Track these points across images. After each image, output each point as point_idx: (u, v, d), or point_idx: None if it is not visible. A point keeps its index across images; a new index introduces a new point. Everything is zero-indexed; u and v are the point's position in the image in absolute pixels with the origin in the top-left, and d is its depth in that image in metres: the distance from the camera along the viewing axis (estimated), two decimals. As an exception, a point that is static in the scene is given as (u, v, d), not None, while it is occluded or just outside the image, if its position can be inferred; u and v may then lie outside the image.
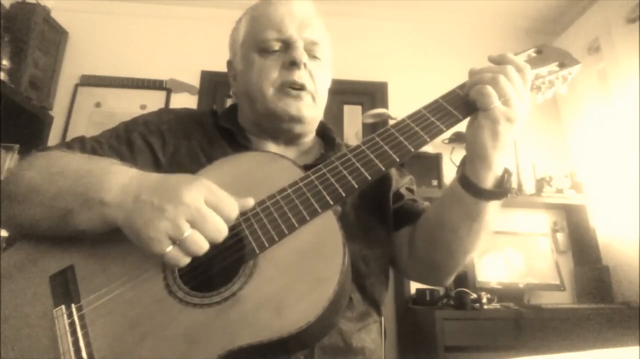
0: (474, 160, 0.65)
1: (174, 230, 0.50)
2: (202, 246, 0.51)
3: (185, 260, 0.51)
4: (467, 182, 0.66)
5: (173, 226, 0.50)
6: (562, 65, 0.73)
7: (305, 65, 0.77)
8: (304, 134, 0.84)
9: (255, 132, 0.83)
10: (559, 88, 0.75)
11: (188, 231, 0.50)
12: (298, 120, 0.78)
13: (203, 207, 0.51)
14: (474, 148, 0.64)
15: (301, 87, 0.77)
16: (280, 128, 0.80)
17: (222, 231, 0.52)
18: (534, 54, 0.74)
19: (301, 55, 0.76)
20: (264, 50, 0.78)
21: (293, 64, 0.76)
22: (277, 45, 0.78)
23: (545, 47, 0.75)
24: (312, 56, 0.80)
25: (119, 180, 0.56)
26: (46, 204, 0.59)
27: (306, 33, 0.79)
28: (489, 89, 0.61)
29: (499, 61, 0.66)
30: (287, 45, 0.78)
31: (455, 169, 0.71)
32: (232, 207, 0.54)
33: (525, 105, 0.64)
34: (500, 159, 0.65)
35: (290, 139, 0.83)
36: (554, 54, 0.74)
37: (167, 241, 0.50)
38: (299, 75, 0.76)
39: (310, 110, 0.80)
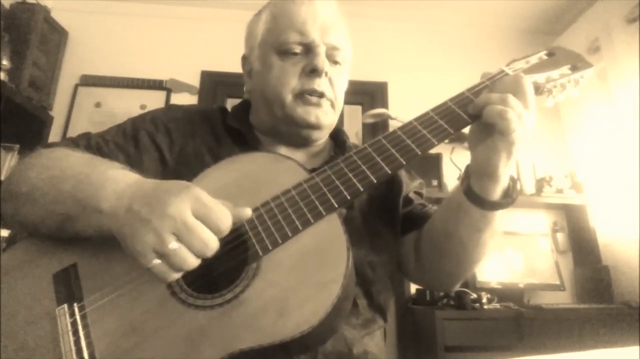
0: (482, 176, 0.64)
1: (158, 244, 0.47)
2: (187, 260, 0.48)
3: (173, 275, 0.49)
4: (475, 196, 0.64)
5: (157, 239, 0.47)
6: (574, 69, 0.70)
7: (326, 73, 0.75)
8: (319, 139, 0.83)
9: (267, 133, 0.82)
10: (570, 91, 0.72)
11: (173, 245, 0.47)
12: (316, 127, 0.78)
13: (189, 219, 0.48)
14: (487, 168, 0.62)
15: (321, 95, 0.76)
16: (297, 133, 0.79)
17: (209, 244, 0.49)
18: (545, 56, 0.72)
19: (323, 63, 0.74)
20: (284, 52, 0.76)
21: (314, 72, 0.75)
22: (298, 49, 0.76)
23: (558, 50, 0.73)
24: (333, 61, 0.78)
25: (115, 187, 0.55)
26: (46, 207, 0.59)
27: (328, 37, 0.76)
28: (511, 114, 0.58)
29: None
30: (309, 49, 0.76)
31: (455, 168, 0.71)
32: (223, 218, 0.50)
33: (533, 119, 0.62)
34: (508, 172, 0.63)
35: (305, 143, 0.82)
36: (566, 57, 0.72)
37: (152, 254, 0.48)
38: (319, 83, 0.75)
39: (328, 117, 0.79)
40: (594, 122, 2.44)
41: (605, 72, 2.34)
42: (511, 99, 0.59)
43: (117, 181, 0.56)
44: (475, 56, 2.55)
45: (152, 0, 2.74)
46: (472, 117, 0.62)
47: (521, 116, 0.59)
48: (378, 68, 2.71)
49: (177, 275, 0.49)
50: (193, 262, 0.48)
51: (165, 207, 0.48)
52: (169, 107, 0.86)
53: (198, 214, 0.49)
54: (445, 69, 2.53)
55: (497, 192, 0.64)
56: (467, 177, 0.66)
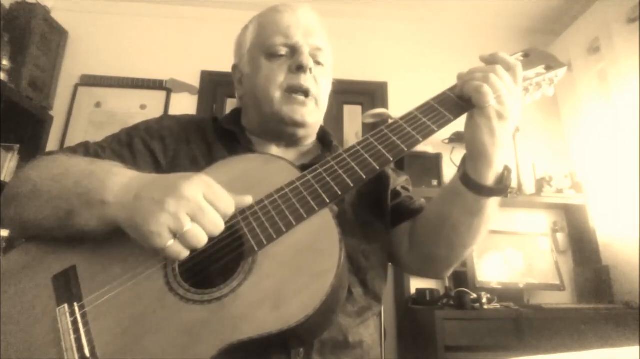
0: (474, 158, 0.67)
1: (175, 224, 0.50)
2: (201, 239, 0.51)
3: (185, 253, 0.52)
4: (468, 179, 0.67)
5: (174, 219, 0.50)
6: (548, 68, 0.75)
7: (310, 70, 0.80)
8: (306, 137, 0.88)
9: (259, 134, 0.86)
10: (546, 90, 0.77)
11: (189, 225, 0.50)
12: (301, 125, 0.82)
13: (202, 201, 0.52)
14: (474, 146, 0.66)
15: (306, 92, 0.80)
16: (285, 131, 0.83)
17: (219, 226, 0.53)
18: (521, 58, 0.76)
19: (308, 60, 0.79)
20: (271, 54, 0.81)
21: (300, 69, 0.79)
22: (284, 50, 0.81)
23: (532, 51, 0.78)
24: (317, 62, 0.83)
25: (120, 180, 0.57)
26: (49, 204, 0.60)
27: (311, 39, 0.82)
28: (486, 88, 0.62)
29: (490, 60, 0.68)
30: (294, 50, 0.81)
31: (455, 168, 0.72)
32: (229, 203, 0.54)
33: (517, 102, 0.66)
34: (500, 156, 0.66)
35: (293, 141, 0.86)
36: (540, 57, 0.77)
37: (168, 234, 0.50)
38: (305, 79, 0.79)
39: (313, 116, 0.83)
40: (594, 122, 2.44)
41: (605, 72, 2.34)
42: (492, 76, 0.63)
43: (121, 175, 0.58)
44: (475, 56, 2.55)
45: (152, 0, 2.74)
46: (454, 114, 0.66)
47: (497, 88, 0.63)
48: (378, 68, 2.71)
49: (187, 253, 0.52)
50: (204, 240, 0.52)
51: (180, 190, 0.51)
52: (162, 117, 0.90)
53: (208, 198, 0.52)
54: (445, 69, 2.51)
55: (489, 177, 0.66)
56: (463, 163, 0.70)
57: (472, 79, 0.65)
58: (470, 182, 0.67)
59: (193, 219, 0.51)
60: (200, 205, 0.51)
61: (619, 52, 2.23)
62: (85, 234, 0.58)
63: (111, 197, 0.55)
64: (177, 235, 0.50)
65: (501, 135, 0.64)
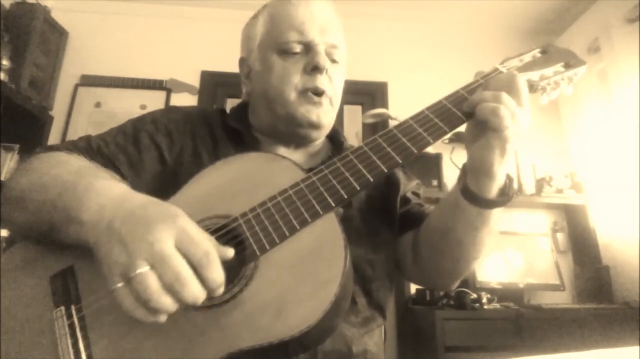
0: (478, 174, 0.64)
1: (126, 267, 0.44)
2: (151, 289, 0.43)
3: (138, 310, 0.44)
4: (471, 194, 0.64)
5: (127, 261, 0.44)
6: (567, 66, 0.71)
7: (326, 70, 0.77)
8: (318, 138, 0.84)
9: (267, 133, 0.83)
10: (564, 89, 0.72)
11: (138, 270, 0.43)
12: (317, 126, 0.79)
13: (167, 247, 0.45)
14: (481, 166, 0.63)
15: (322, 93, 0.77)
16: (298, 133, 0.80)
17: (180, 279, 0.44)
18: (539, 54, 0.73)
19: (324, 60, 0.76)
20: (285, 52, 0.78)
21: (315, 70, 0.76)
22: (298, 48, 0.77)
23: (551, 47, 0.74)
24: (332, 60, 0.79)
25: (99, 200, 0.53)
26: (34, 215, 0.59)
27: (327, 36, 0.78)
28: (504, 110, 0.58)
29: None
30: (309, 48, 0.77)
31: (455, 169, 0.71)
32: (208, 253, 0.46)
33: (528, 117, 0.63)
34: (504, 170, 0.64)
35: (303, 142, 0.83)
36: (559, 55, 0.72)
37: (118, 277, 0.45)
38: (321, 81, 0.76)
39: (329, 115, 0.80)
40: (594, 122, 2.44)
41: (605, 72, 2.34)
42: (504, 96, 0.59)
43: (100, 193, 0.55)
44: (475, 56, 2.55)
45: (152, 0, 2.74)
46: (467, 116, 0.63)
47: (514, 114, 0.59)
48: (378, 68, 2.71)
49: (142, 312, 0.45)
50: (156, 293, 0.44)
51: (147, 232, 0.46)
52: (168, 109, 0.86)
53: (181, 246, 0.46)
54: (445, 69, 2.53)
55: (493, 190, 0.64)
56: (464, 175, 0.66)
57: (484, 100, 0.60)
58: (473, 197, 0.64)
59: (152, 266, 0.44)
60: (162, 251, 0.44)
61: (619, 52, 2.23)
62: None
63: (86, 217, 0.52)
64: (127, 280, 0.44)
65: (509, 153, 0.62)
